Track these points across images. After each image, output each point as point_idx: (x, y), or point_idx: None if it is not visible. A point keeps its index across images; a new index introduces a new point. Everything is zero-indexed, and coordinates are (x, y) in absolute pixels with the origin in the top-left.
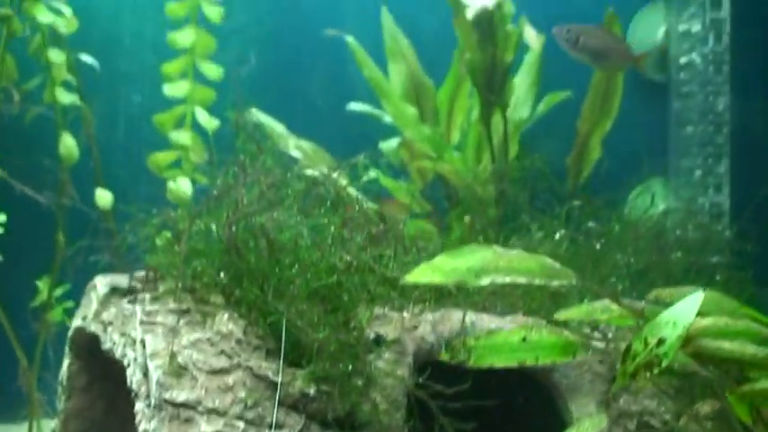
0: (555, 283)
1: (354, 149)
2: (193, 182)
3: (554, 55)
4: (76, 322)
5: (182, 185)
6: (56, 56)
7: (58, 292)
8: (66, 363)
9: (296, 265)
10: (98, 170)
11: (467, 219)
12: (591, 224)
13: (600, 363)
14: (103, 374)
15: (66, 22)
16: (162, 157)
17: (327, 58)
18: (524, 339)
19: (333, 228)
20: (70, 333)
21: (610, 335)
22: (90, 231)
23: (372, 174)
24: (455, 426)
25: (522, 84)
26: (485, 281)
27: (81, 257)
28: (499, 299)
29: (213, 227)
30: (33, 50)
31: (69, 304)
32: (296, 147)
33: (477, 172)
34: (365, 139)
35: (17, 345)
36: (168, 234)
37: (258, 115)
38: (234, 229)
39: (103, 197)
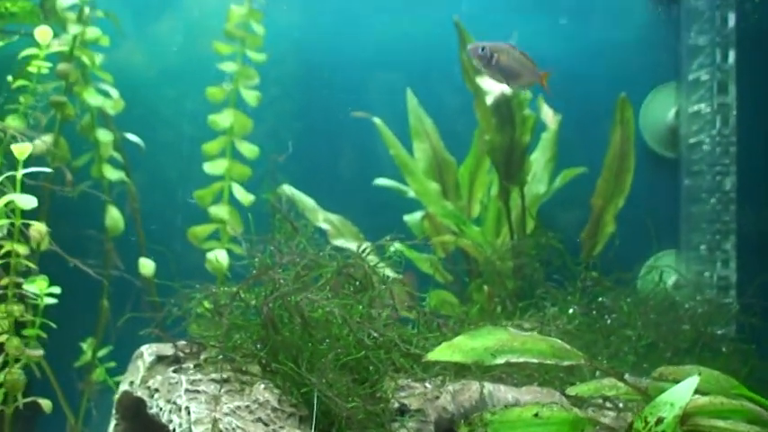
0: (565, 363)
1: (379, 221)
2: (229, 253)
3: (569, 133)
4: (124, 387)
5: (219, 256)
6: (103, 135)
7: (102, 353)
8: (112, 424)
9: (327, 340)
10: (141, 241)
11: (486, 290)
12: (602, 300)
13: None
14: None
15: (113, 104)
16: (201, 230)
17: (355, 134)
18: (537, 415)
19: (361, 306)
20: (117, 396)
21: (620, 404)
22: (133, 298)
23: (397, 246)
24: None
25: (539, 160)
26: (500, 360)
27: (124, 322)
28: (516, 370)
29: (252, 303)
30: (82, 129)
31: (111, 364)
32: (324, 220)
33: (496, 246)
34: (390, 212)
35: (65, 402)
36: (207, 304)
37: (290, 190)
38: (271, 306)
39: (146, 266)
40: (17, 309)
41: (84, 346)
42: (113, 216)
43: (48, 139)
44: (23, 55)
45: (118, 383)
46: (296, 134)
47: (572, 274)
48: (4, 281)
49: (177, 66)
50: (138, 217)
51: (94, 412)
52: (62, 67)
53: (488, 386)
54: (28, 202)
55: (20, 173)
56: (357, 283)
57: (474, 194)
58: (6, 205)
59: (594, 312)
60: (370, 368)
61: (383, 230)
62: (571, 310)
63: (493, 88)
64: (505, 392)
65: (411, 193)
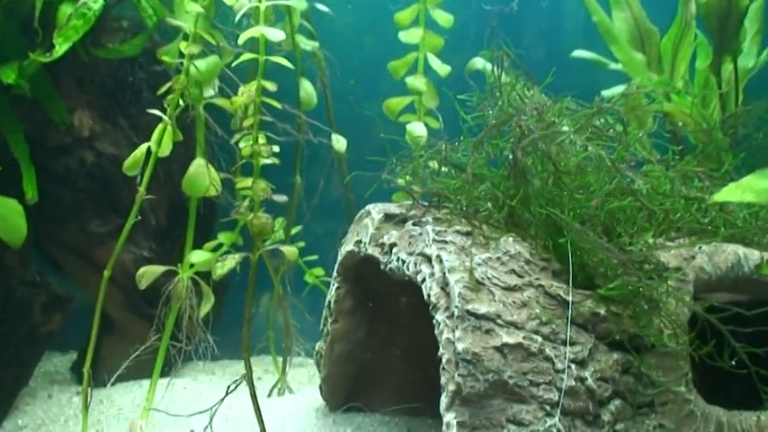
0: None
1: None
2: (426, 126)
3: None
4: (348, 247)
5: (416, 129)
6: (297, 2)
7: (293, 232)
8: (334, 287)
9: (581, 191)
10: (331, 116)
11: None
12: None
13: None
14: (365, 300)
15: None
16: (396, 103)
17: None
18: None
19: (620, 150)
20: (340, 258)
21: None
22: (325, 176)
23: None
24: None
25: (747, 32)
26: None
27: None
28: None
29: (502, 148)
30: None
31: (301, 244)
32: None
33: (708, 118)
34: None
35: (274, 275)
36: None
37: (483, 63)
38: (521, 154)
39: (339, 141)
40: (264, 149)
41: (275, 224)
42: (306, 89)
43: None
44: None
45: (308, 263)
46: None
47: None
48: (249, 120)
49: None
50: (328, 91)
51: (289, 290)
52: None
53: (742, 249)
54: (275, 34)
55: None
56: (610, 129)
57: (677, 68)
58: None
59: None
60: (627, 221)
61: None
62: None
63: None
64: (759, 256)
65: (612, 66)
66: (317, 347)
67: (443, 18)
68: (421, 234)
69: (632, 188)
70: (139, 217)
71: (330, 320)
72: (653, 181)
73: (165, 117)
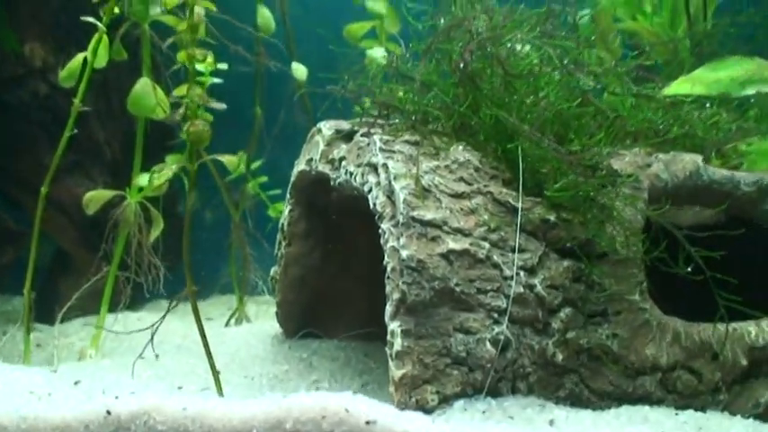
0: None
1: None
2: (388, 52)
3: None
4: (300, 167)
5: (378, 54)
6: None
7: (254, 166)
8: (287, 209)
9: (532, 95)
10: (292, 44)
11: None
12: None
13: None
14: (320, 223)
15: None
16: (357, 28)
17: None
18: None
19: (576, 51)
20: (292, 179)
21: None
22: (285, 106)
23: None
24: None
25: None
26: (750, 90)
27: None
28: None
29: (451, 52)
30: None
31: (263, 178)
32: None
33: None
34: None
35: (230, 203)
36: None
37: None
38: (469, 57)
39: (299, 69)
40: (198, 52)
41: (236, 158)
42: (264, 15)
43: None
44: None
45: (271, 197)
46: None
47: None
48: (182, 24)
49: None
50: (286, 18)
51: (250, 224)
52: None
53: (701, 158)
54: None
55: None
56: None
57: None
58: None
59: None
60: (579, 127)
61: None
62: None
63: None
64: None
65: None
66: (271, 272)
67: None
68: (369, 144)
69: (582, 89)
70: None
71: (284, 244)
72: (603, 81)
73: (101, 25)
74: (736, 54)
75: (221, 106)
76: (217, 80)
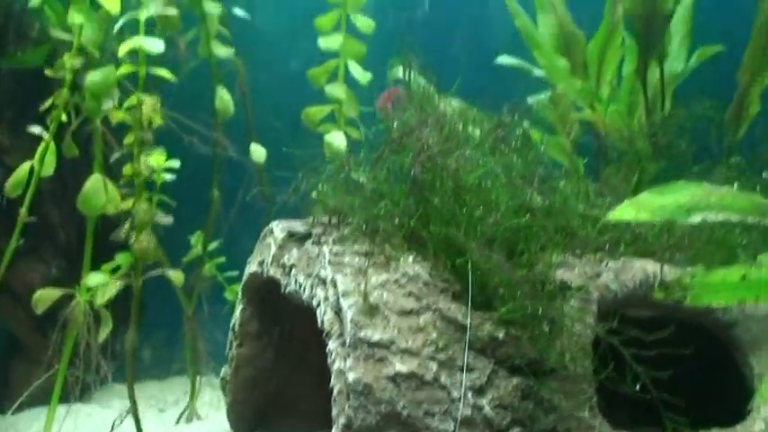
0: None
1: (501, 104)
2: (346, 136)
3: (707, 6)
4: (252, 268)
5: (336, 139)
6: (211, 7)
7: (211, 247)
8: (239, 309)
9: (481, 207)
10: (251, 125)
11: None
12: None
13: None
14: (273, 322)
15: None
16: (316, 112)
17: (470, 8)
18: (744, 277)
19: (521, 167)
20: (244, 279)
21: None
22: (244, 188)
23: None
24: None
25: (675, 35)
26: (695, 218)
27: (234, 214)
28: (677, 251)
29: (400, 164)
30: (190, 1)
31: (221, 259)
32: (444, 104)
33: (632, 126)
34: (511, 94)
35: (181, 293)
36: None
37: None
38: (420, 170)
39: (258, 151)
40: (145, 168)
41: (193, 239)
42: (223, 97)
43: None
44: None
45: (228, 279)
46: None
47: (712, 154)
48: (129, 137)
49: None
50: (247, 99)
51: (205, 308)
52: None
53: (651, 265)
54: (154, 45)
55: (143, 14)
56: (513, 143)
57: (603, 74)
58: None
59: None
60: (530, 239)
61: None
62: (735, 186)
63: None
64: (670, 273)
65: (536, 72)
66: (221, 373)
67: (365, 24)
68: (318, 255)
69: (530, 206)
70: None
71: (235, 344)
72: (553, 197)
73: (46, 135)
74: (688, 152)
75: (168, 221)
76: (169, 176)
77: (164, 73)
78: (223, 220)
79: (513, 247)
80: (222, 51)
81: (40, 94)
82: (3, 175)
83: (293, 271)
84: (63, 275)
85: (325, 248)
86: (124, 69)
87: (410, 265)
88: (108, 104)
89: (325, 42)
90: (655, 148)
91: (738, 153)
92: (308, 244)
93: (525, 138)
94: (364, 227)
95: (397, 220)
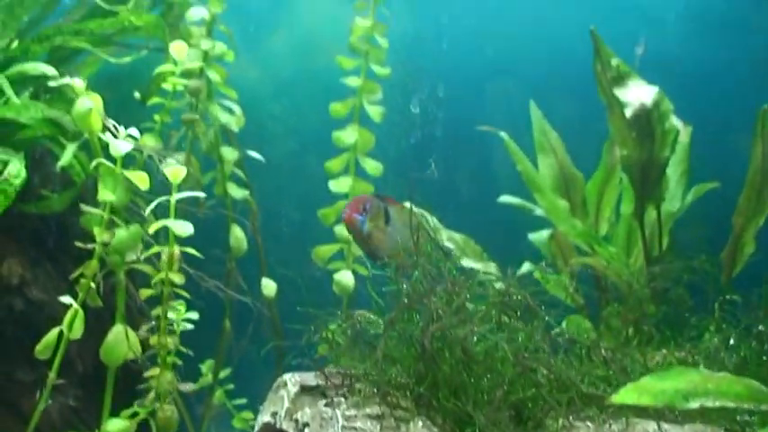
0: (763, 407)
1: (503, 241)
2: (354, 273)
3: (701, 146)
4: (265, 417)
5: (345, 278)
6: (228, 153)
7: (222, 375)
8: None
9: (488, 375)
10: (262, 261)
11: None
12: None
13: None
14: None
15: (236, 120)
16: (325, 250)
17: (475, 149)
18: None
19: (528, 339)
20: (257, 428)
21: None
22: (254, 320)
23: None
24: None
25: (672, 176)
26: (693, 404)
27: (244, 344)
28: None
29: (410, 333)
30: (207, 148)
31: (230, 386)
32: (448, 238)
33: (630, 267)
34: (514, 231)
35: (190, 424)
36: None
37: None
38: (430, 339)
39: (268, 286)
40: (171, 341)
41: (204, 368)
42: (237, 236)
43: (180, 158)
44: (158, 71)
45: (237, 406)
46: (414, 149)
47: (707, 295)
48: (157, 310)
49: (292, 80)
50: (258, 237)
51: None
52: (194, 83)
53: (653, 426)
54: (184, 228)
55: (174, 197)
56: (516, 313)
57: (602, 212)
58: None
59: (755, 343)
60: (536, 407)
61: (507, 250)
62: (732, 341)
63: (630, 99)
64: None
65: (537, 211)
66: None
67: (373, 167)
68: (332, 418)
69: (534, 379)
70: None
71: None
72: (557, 370)
73: (75, 304)
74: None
75: (190, 388)
76: (188, 326)
77: (192, 250)
78: (233, 350)
79: (519, 411)
80: (238, 193)
81: (61, 233)
82: (23, 305)
83: (306, 430)
84: (80, 406)
85: (338, 413)
86: (152, 228)
87: (419, 429)
88: (131, 257)
89: (335, 185)
90: (653, 292)
91: (734, 291)
92: (321, 405)
93: (531, 310)
94: (376, 390)
95: (407, 385)
